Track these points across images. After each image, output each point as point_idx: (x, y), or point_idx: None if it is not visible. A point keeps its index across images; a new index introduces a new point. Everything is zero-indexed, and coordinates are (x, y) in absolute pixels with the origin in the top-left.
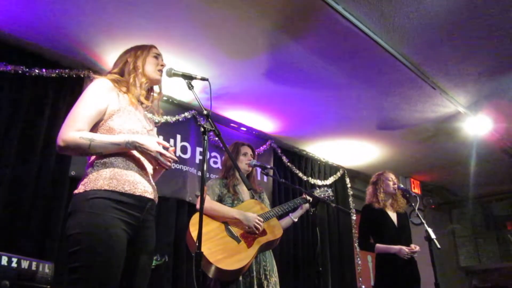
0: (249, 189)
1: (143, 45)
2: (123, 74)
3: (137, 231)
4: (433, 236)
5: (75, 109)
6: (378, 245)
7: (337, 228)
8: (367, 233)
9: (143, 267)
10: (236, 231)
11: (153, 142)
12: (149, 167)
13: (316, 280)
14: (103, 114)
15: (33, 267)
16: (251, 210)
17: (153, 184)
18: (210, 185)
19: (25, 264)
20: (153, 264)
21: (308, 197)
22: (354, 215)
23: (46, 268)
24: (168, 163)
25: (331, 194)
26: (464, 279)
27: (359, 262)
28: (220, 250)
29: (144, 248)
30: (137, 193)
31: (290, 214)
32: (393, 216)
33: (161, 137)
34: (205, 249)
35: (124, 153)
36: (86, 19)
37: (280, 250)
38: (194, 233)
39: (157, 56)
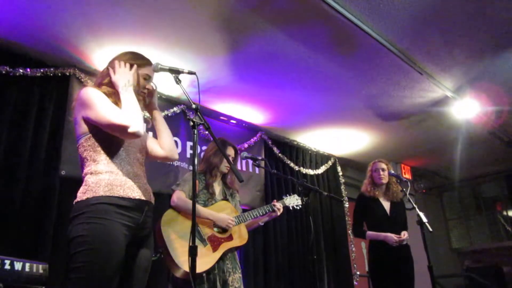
0: (241, 181)
1: (139, 57)
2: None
3: (136, 233)
4: (424, 220)
5: (107, 107)
6: (368, 232)
7: (330, 216)
8: (360, 221)
9: (142, 267)
10: (205, 233)
11: None
12: (143, 171)
13: (311, 268)
14: None
15: (27, 269)
16: (223, 212)
17: (149, 187)
18: (188, 179)
19: (18, 266)
20: None
21: (278, 205)
22: (347, 203)
23: (40, 269)
24: None
25: (299, 204)
26: (456, 260)
27: (353, 249)
28: (186, 252)
29: (142, 248)
30: (136, 197)
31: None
32: (386, 205)
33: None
34: (172, 249)
35: (120, 159)
36: (69, 16)
37: (274, 239)
38: (165, 232)
39: (148, 78)
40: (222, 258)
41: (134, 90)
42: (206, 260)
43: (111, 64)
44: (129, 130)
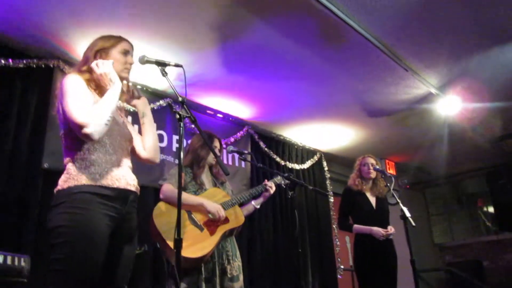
0: (226, 174)
1: (110, 37)
2: (91, 70)
3: (119, 224)
4: (408, 214)
5: (76, 101)
6: (355, 225)
7: (315, 210)
8: (346, 214)
9: (126, 258)
10: (200, 219)
11: None
12: (128, 160)
13: (296, 261)
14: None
15: (8, 261)
16: (214, 197)
17: (134, 176)
18: (175, 173)
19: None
20: None
21: (270, 183)
22: (332, 198)
23: (22, 262)
24: None
25: (285, 181)
26: (438, 255)
27: (338, 243)
28: (183, 239)
29: (126, 240)
30: (121, 187)
31: (252, 201)
32: (372, 199)
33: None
34: (168, 238)
35: (105, 148)
36: (53, 7)
37: (260, 233)
38: (159, 224)
39: (126, 52)
40: (221, 244)
41: (118, 70)
42: (205, 244)
43: (86, 52)
44: (83, 130)
